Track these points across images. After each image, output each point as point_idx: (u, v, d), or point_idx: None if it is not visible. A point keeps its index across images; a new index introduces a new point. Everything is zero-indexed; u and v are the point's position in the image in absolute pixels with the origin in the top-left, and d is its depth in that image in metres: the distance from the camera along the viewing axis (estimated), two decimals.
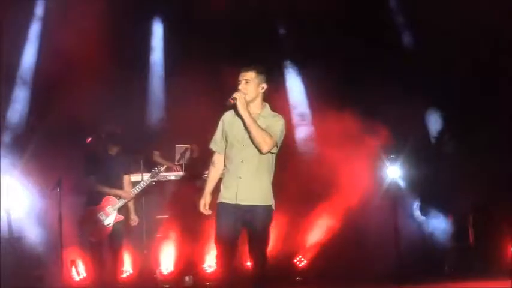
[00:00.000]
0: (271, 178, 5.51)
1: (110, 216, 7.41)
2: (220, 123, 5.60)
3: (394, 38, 9.90)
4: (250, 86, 5.43)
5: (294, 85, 10.18)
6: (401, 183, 9.17)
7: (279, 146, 5.46)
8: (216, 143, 5.61)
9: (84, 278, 8.65)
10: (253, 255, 5.44)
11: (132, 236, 8.39)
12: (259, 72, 5.49)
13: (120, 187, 7.53)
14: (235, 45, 9.29)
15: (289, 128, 9.64)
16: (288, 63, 10.15)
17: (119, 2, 9.07)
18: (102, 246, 7.49)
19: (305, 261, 9.12)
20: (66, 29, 8.90)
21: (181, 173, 8.84)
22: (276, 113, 5.57)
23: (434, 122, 9.91)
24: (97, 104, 8.44)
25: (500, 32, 8.92)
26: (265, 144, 5.32)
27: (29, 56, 9.49)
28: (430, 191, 9.39)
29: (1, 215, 8.49)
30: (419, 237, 9.24)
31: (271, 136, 5.35)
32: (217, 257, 5.45)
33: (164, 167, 7.77)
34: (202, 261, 8.72)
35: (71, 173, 8.03)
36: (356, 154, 8.95)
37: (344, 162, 8.88)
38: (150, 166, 8.30)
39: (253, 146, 5.37)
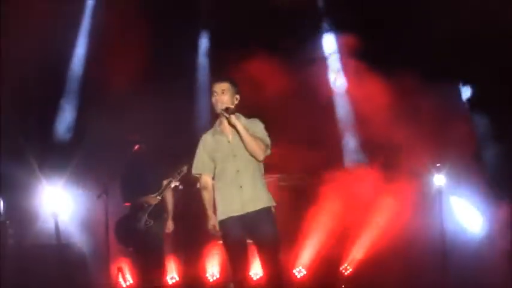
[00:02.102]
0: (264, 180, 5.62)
1: (140, 222, 7.51)
2: (201, 147, 5.69)
3: None
4: (226, 96, 5.50)
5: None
6: (448, 192, 9.04)
7: (270, 147, 5.52)
8: (204, 165, 5.66)
9: (131, 285, 8.70)
10: (267, 263, 5.45)
11: (179, 243, 8.44)
12: (232, 83, 5.58)
13: (154, 193, 7.59)
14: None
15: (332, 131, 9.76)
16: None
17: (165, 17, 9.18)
18: (143, 253, 7.57)
19: (351, 270, 9.05)
20: (113, 38, 9.01)
21: None
22: (251, 118, 5.65)
23: (477, 121, 9.68)
24: (144, 111, 8.53)
25: None
26: (261, 150, 5.42)
27: (77, 66, 9.65)
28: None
29: (49, 221, 8.62)
30: (467, 250, 8.97)
31: (263, 141, 5.44)
32: (233, 269, 5.52)
33: (185, 168, 7.55)
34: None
35: (117, 180, 8.10)
36: (401, 163, 8.86)
37: (390, 171, 8.80)
38: None
39: (242, 154, 5.46)
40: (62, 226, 8.65)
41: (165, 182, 7.61)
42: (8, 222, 8.62)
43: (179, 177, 7.62)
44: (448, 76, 9.10)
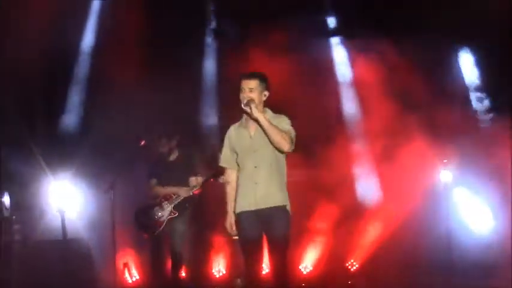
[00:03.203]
0: (285, 178, 5.59)
1: (164, 211, 7.46)
2: (226, 140, 5.73)
3: None
4: (254, 94, 5.51)
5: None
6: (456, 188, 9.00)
7: (294, 143, 5.51)
8: (227, 159, 5.72)
9: (137, 281, 8.71)
10: (274, 260, 5.43)
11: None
12: (262, 80, 5.57)
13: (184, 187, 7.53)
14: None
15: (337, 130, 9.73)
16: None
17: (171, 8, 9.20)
18: (159, 245, 7.53)
19: (357, 266, 9.03)
20: (121, 30, 9.02)
21: None
22: (278, 114, 5.65)
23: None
24: (150, 106, 8.52)
25: None
26: (285, 141, 5.40)
27: (84, 58, 9.65)
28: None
29: (55, 217, 8.61)
30: (473, 246, 8.88)
31: (287, 134, 5.42)
32: (246, 264, 5.50)
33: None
34: None
35: (124, 175, 8.08)
36: (408, 159, 8.83)
37: (396, 168, 8.79)
38: None
39: (263, 150, 5.48)
40: (68, 222, 8.62)
41: (196, 179, 7.50)
42: (14, 217, 8.56)
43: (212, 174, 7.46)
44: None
